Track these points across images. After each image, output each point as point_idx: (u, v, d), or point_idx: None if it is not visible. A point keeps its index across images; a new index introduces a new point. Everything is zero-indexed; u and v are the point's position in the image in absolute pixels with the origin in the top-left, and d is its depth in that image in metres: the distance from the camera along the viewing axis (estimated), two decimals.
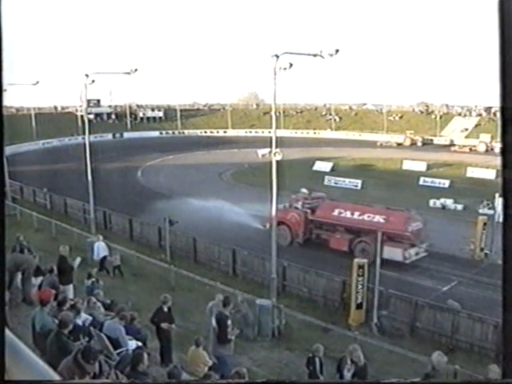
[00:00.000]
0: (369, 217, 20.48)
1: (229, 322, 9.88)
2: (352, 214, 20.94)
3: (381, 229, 18.44)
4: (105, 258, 16.80)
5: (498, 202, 21.26)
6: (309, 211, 21.99)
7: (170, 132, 71.23)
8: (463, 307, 14.22)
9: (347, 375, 8.30)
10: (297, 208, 22.32)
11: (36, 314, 7.75)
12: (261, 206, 21.52)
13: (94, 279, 12.83)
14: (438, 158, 46.02)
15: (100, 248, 16.87)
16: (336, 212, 21.18)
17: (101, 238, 17.55)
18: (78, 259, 12.79)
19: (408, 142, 59.87)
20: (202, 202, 25.58)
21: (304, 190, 23.57)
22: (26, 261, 12.04)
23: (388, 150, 54.82)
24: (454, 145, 55.76)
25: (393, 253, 18.74)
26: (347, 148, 53.90)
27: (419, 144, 59.14)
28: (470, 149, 52.05)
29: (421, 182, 37.38)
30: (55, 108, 68.98)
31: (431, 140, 61.02)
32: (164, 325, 9.88)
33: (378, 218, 20.23)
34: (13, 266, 11.50)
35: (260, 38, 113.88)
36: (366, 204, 22.17)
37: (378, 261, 14.21)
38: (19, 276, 12.10)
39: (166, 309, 10.06)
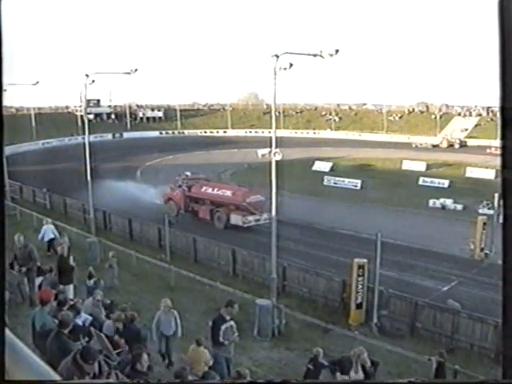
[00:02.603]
0: (223, 192, 25.57)
1: (224, 325, 9.60)
2: (213, 190, 26.15)
3: (228, 200, 25.00)
4: (52, 240, 17.40)
5: (500, 202, 21.25)
6: (187, 189, 26.96)
7: (170, 132, 71.24)
8: (463, 307, 14.22)
9: (353, 377, 8.21)
10: (180, 186, 27.38)
11: (36, 313, 7.77)
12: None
13: (95, 279, 12.79)
14: (437, 158, 46.03)
15: (48, 231, 17.58)
16: (203, 189, 26.44)
17: (49, 221, 18.20)
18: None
19: (445, 144, 58.01)
20: (130, 183, 31.69)
21: (187, 173, 28.90)
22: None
23: (395, 150, 52.85)
24: (490, 147, 54.06)
25: (236, 219, 24.40)
26: (347, 148, 53.86)
27: (457, 146, 57.05)
28: None
29: (420, 182, 37.40)
30: (67, 107, 68.58)
31: (465, 142, 58.95)
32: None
33: (228, 193, 25.38)
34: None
35: (260, 38, 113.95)
36: (225, 183, 27.83)
37: (378, 260, 14.20)
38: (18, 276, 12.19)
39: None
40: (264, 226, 23.45)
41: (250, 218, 24.44)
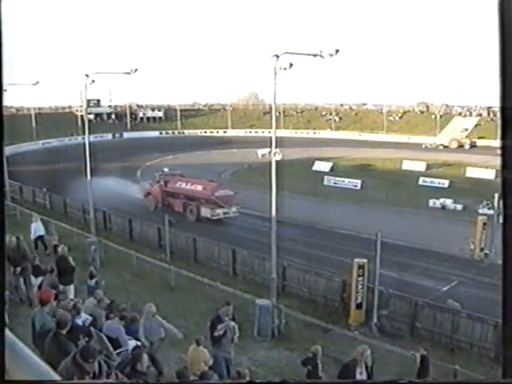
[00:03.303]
0: (195, 187, 27.32)
1: (220, 325, 9.69)
2: (186, 184, 27.78)
3: (199, 194, 26.81)
4: (41, 237, 17.80)
5: (500, 202, 21.25)
6: (163, 184, 28.62)
7: (170, 132, 71.20)
8: (463, 307, 14.21)
9: (358, 377, 8.19)
10: (158, 182, 29.05)
11: (36, 313, 7.76)
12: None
13: (97, 279, 12.76)
14: (437, 158, 46.01)
15: (36, 228, 17.97)
16: (178, 184, 28.09)
17: (38, 218, 18.52)
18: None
19: (455, 145, 57.10)
20: (115, 179, 32.61)
21: (165, 169, 30.97)
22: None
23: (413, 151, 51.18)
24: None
25: (205, 212, 26.17)
26: (347, 148, 53.84)
27: (467, 147, 55.85)
28: None
29: (420, 182, 37.40)
30: (70, 107, 67.71)
31: (475, 142, 57.51)
32: None
33: (199, 188, 27.21)
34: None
35: (260, 38, 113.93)
36: (197, 178, 29.56)
37: (378, 260, 14.20)
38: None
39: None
40: (233, 219, 26.11)
41: (219, 210, 26.06)
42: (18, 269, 12.11)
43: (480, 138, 58.80)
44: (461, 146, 57.07)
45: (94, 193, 23.91)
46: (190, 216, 26.80)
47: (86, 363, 5.06)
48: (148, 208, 28.64)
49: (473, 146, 56.62)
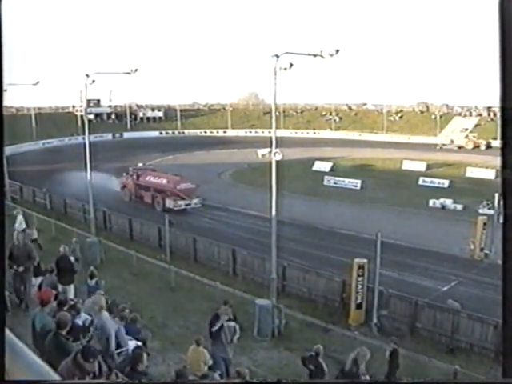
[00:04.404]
0: (161, 180, 30.28)
1: (219, 322, 9.77)
2: (154, 178, 30.77)
3: (164, 187, 29.71)
4: (24, 230, 18.09)
5: (500, 202, 21.24)
6: (136, 178, 31.46)
7: (170, 132, 71.16)
8: (462, 307, 14.21)
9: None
10: (132, 176, 31.83)
11: (36, 314, 7.75)
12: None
13: (97, 279, 12.75)
14: (437, 158, 45.98)
15: (22, 221, 18.65)
16: (148, 178, 31.08)
17: (20, 212, 19.13)
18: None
19: (470, 146, 56.02)
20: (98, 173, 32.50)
21: (140, 164, 34.56)
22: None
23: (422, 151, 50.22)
24: None
25: (169, 203, 28.59)
26: (347, 148, 53.82)
27: (483, 148, 54.54)
28: None
29: (420, 182, 37.39)
30: (73, 107, 67.25)
31: (490, 143, 55.16)
32: None
33: (164, 181, 30.12)
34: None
35: (260, 38, 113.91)
36: (164, 172, 32.28)
37: (378, 260, 14.19)
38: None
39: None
40: (198, 210, 28.58)
41: (181, 202, 28.59)
42: (21, 268, 11.94)
43: (494, 138, 57.89)
44: (476, 146, 55.87)
45: (77, 185, 24.95)
46: (157, 207, 29.15)
47: (87, 363, 5.06)
48: (123, 199, 31.49)
49: (488, 146, 55.08)
